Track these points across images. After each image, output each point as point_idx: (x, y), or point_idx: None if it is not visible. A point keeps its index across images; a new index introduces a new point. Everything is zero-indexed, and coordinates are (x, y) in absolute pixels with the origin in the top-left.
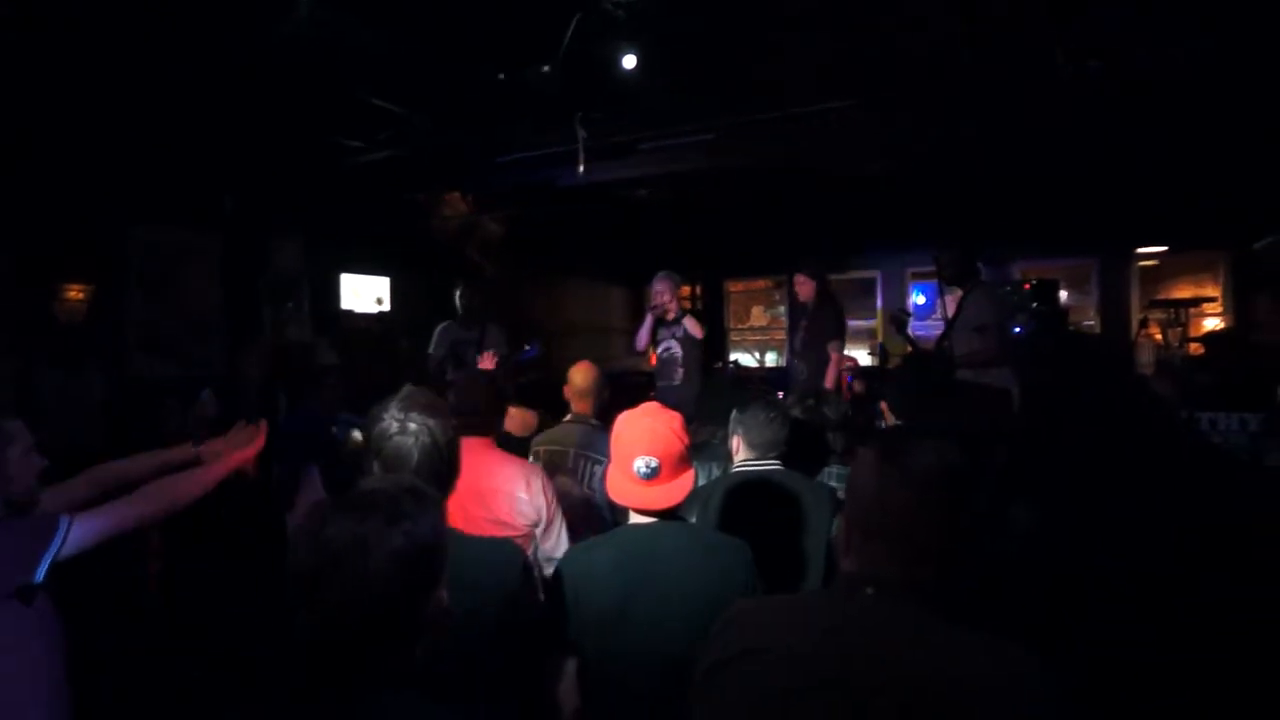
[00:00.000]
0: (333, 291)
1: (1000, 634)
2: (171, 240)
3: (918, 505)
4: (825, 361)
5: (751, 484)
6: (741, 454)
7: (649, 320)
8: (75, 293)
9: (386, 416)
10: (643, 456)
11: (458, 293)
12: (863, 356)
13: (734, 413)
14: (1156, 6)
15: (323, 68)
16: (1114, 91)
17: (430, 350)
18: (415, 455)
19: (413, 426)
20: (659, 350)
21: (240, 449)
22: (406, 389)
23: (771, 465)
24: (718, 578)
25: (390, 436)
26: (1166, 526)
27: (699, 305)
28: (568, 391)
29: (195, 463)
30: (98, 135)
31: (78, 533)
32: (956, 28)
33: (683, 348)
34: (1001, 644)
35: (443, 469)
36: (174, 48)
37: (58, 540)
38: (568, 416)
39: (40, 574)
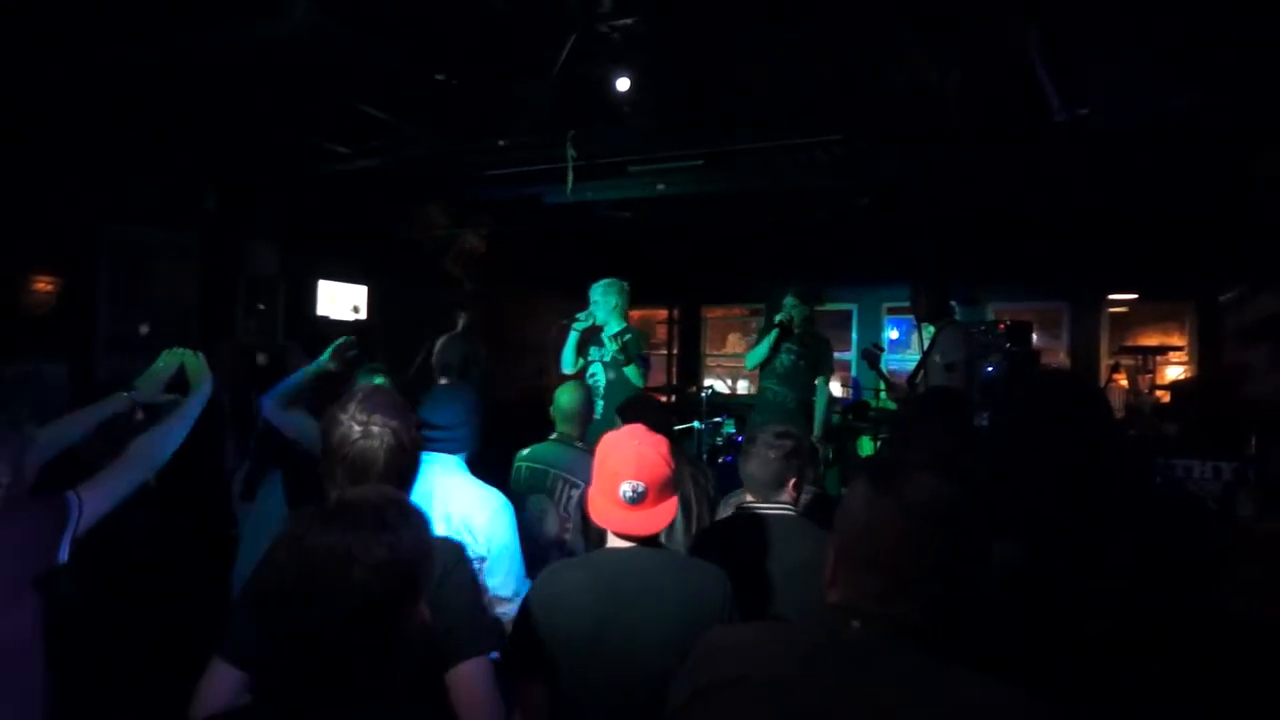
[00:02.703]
0: (309, 297)
1: (986, 670)
2: (146, 239)
3: (910, 537)
4: (811, 390)
5: (739, 533)
6: (748, 494)
7: (572, 337)
8: (44, 285)
9: (346, 418)
10: (629, 481)
11: (463, 311)
12: (835, 389)
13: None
14: (1138, 60)
15: (313, 72)
16: (1094, 141)
17: (435, 359)
18: (381, 459)
19: (375, 429)
20: (587, 376)
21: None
22: (364, 388)
23: (775, 510)
24: (695, 604)
25: (354, 440)
26: (1144, 564)
27: (675, 330)
28: (552, 411)
29: (133, 413)
30: (77, 128)
31: (89, 507)
32: (946, 70)
33: (606, 377)
34: (989, 682)
35: (408, 473)
36: (164, 43)
37: (74, 517)
38: (552, 435)
39: (64, 553)
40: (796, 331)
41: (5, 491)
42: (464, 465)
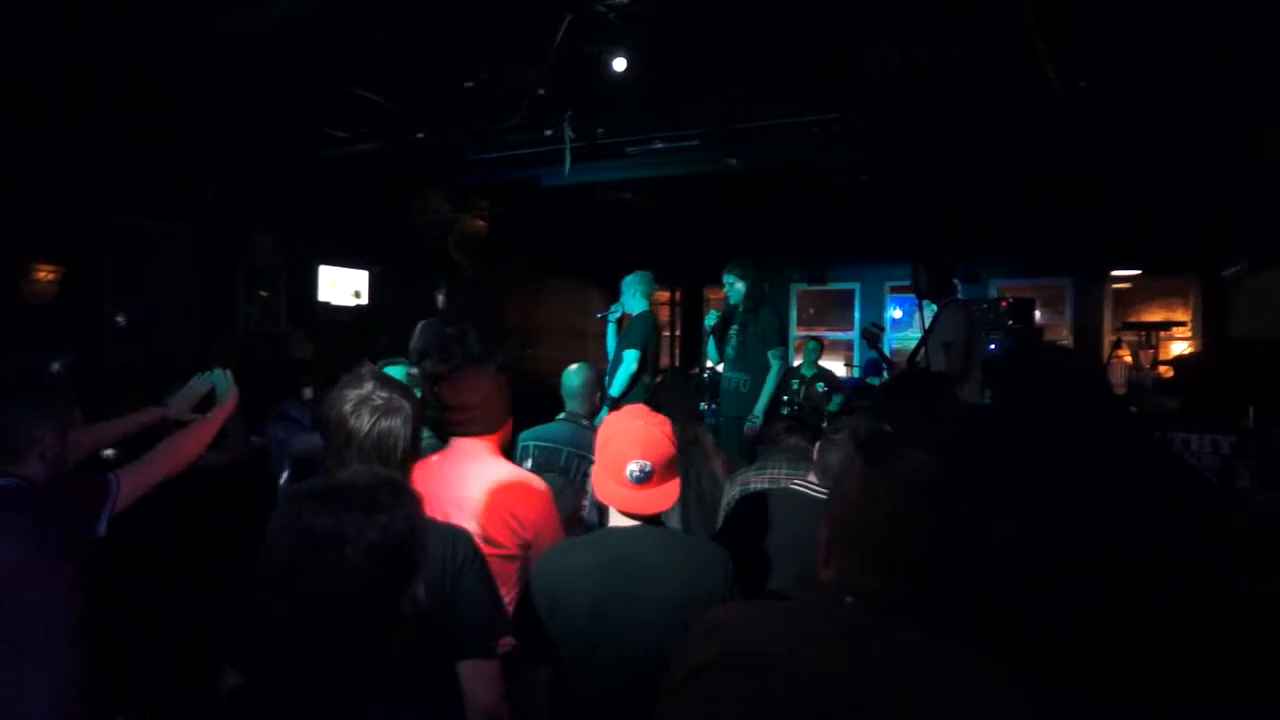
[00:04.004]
0: (310, 283)
1: (979, 647)
2: (145, 228)
3: (901, 515)
4: (766, 370)
5: (786, 507)
6: (814, 475)
7: (610, 328)
8: (46, 275)
9: (355, 394)
10: (635, 460)
11: (441, 292)
12: (839, 368)
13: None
14: (1141, 37)
15: (309, 57)
16: (1094, 115)
17: (412, 344)
18: (405, 434)
19: (396, 403)
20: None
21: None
22: (366, 367)
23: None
24: (696, 583)
25: (362, 415)
26: (1143, 542)
27: (677, 311)
28: (562, 390)
29: (164, 424)
30: (74, 117)
31: (126, 487)
32: (945, 45)
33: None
34: (981, 658)
35: (417, 450)
36: (160, 31)
37: (112, 495)
38: (561, 415)
39: (102, 527)
40: (739, 310)
41: (52, 458)
42: (494, 448)
